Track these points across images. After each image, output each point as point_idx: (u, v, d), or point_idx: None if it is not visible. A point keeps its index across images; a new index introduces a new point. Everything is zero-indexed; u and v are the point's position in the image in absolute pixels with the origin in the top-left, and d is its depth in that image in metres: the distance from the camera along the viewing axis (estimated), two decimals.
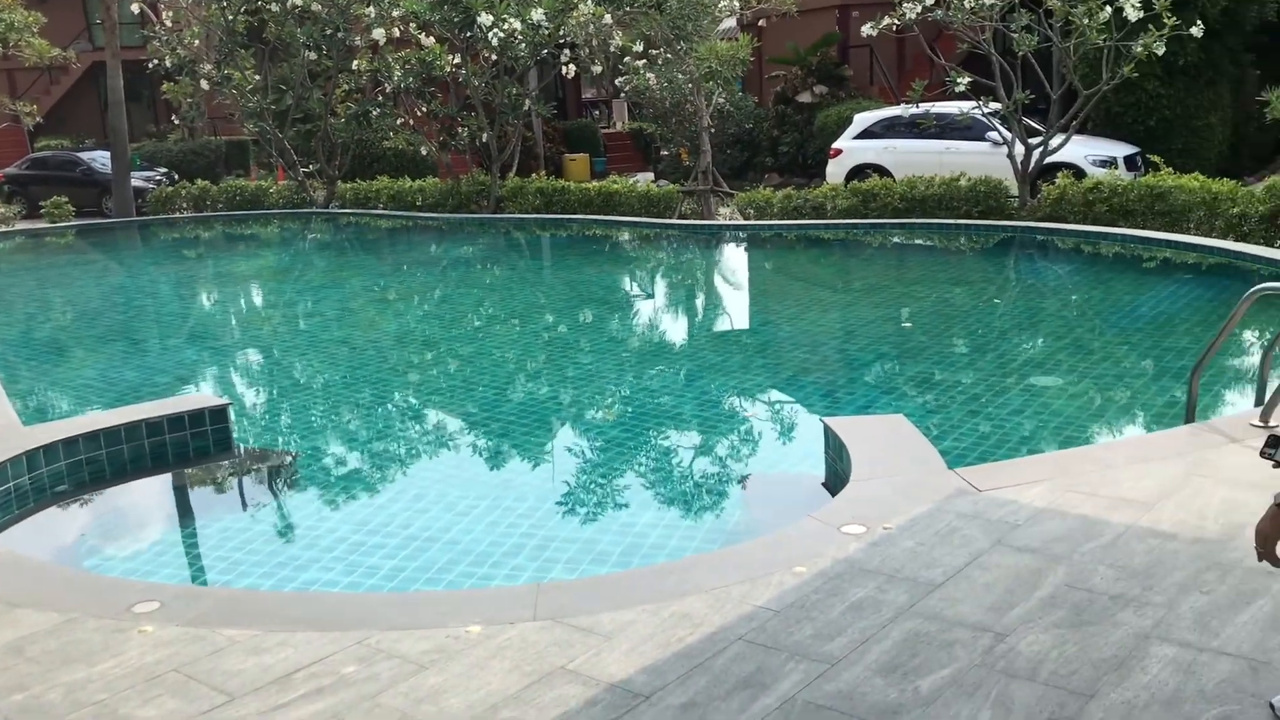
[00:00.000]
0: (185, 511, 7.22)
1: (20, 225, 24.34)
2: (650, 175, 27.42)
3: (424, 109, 23.01)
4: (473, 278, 16.54)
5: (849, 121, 21.53)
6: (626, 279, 15.90)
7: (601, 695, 3.83)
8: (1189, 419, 6.76)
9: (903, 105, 19.06)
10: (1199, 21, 15.25)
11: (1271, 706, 3.54)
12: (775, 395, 9.22)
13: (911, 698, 3.73)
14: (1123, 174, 17.01)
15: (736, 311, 13.51)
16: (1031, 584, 4.53)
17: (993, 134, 17.62)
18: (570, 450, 7.92)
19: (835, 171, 20.59)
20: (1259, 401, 6.60)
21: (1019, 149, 16.61)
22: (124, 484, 7.18)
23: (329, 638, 4.31)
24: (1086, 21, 15.18)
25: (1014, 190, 16.77)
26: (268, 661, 4.16)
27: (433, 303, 14.38)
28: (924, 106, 18.25)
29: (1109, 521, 5.09)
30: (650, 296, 14.48)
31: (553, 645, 4.20)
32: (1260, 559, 2.20)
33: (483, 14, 19.46)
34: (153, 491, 7.31)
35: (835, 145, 21.14)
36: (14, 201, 25.61)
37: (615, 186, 20.31)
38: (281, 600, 5.02)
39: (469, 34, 20.26)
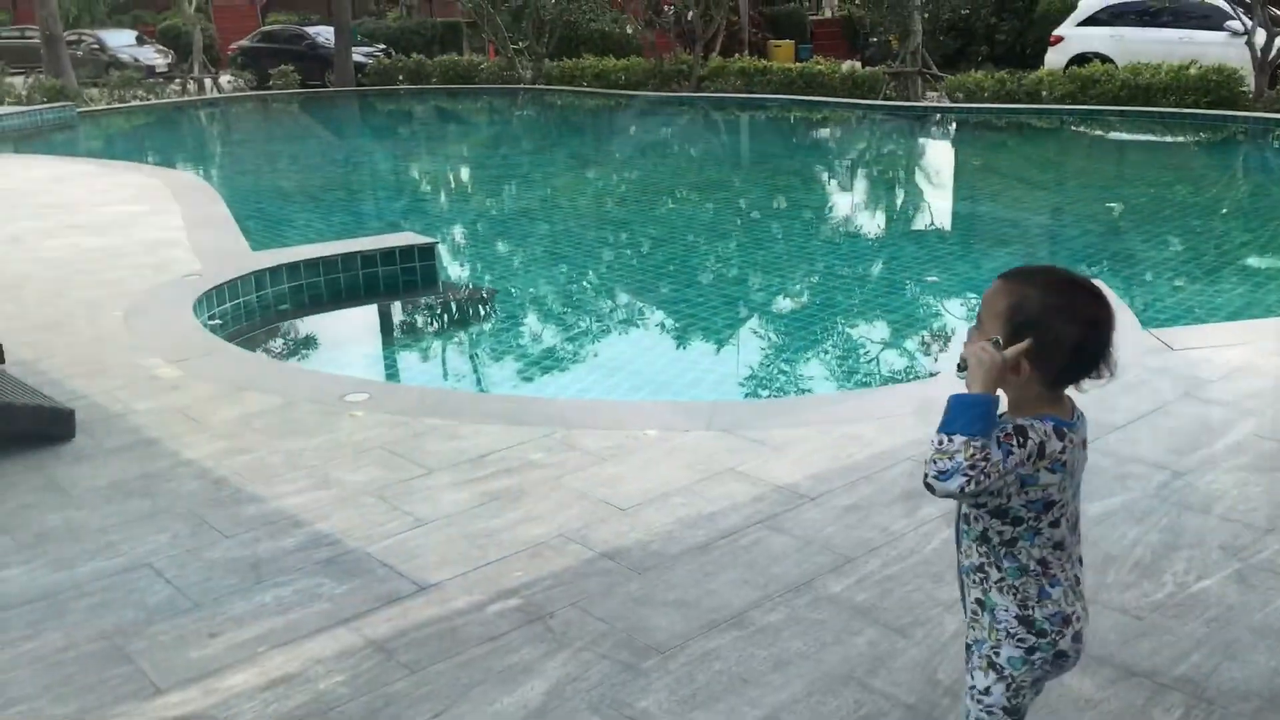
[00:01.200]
0: (392, 330, 7.80)
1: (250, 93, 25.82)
2: (857, 64, 26.66)
3: None
4: (669, 149, 16.65)
5: (1074, 8, 20.32)
6: (826, 155, 15.70)
7: (768, 493, 4.00)
8: None
9: None
10: None
11: None
12: (968, 261, 9.05)
13: None
14: None
15: (936, 188, 13.21)
16: (1218, 432, 4.42)
17: (1232, 22, 16.33)
18: (757, 297, 8.04)
19: (1055, 60, 19.53)
20: None
21: (1260, 36, 15.37)
22: (339, 307, 7.74)
23: (518, 430, 4.62)
24: None
25: (1250, 81, 15.58)
26: (463, 445, 4.51)
27: (627, 169, 14.60)
28: None
29: None
30: (850, 170, 14.28)
31: (724, 450, 4.39)
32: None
33: None
34: (364, 314, 7.90)
35: (1057, 32, 20.02)
36: (246, 71, 27.09)
37: (819, 67, 19.91)
38: (476, 398, 5.38)
39: None
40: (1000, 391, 1.96)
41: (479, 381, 6.28)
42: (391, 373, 6.69)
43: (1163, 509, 3.80)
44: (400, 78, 25.67)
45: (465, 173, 15.35)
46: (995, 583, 2.10)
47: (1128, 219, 10.23)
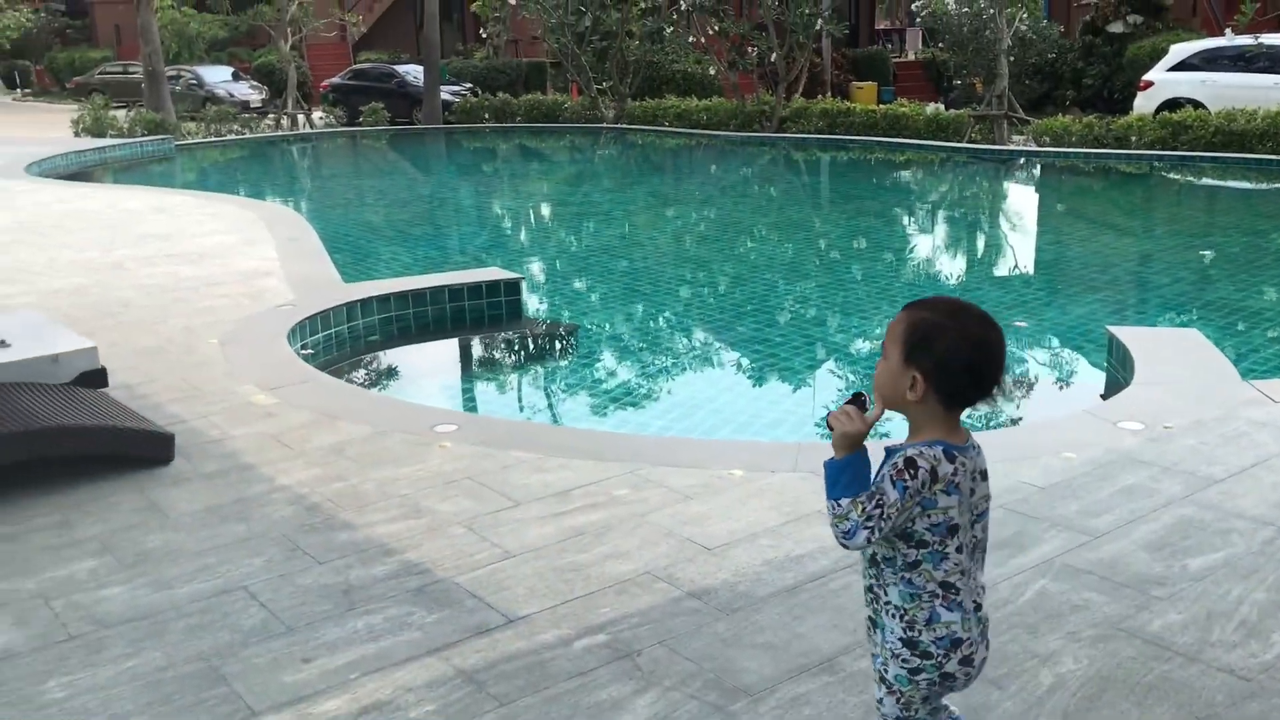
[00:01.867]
0: (478, 363, 7.90)
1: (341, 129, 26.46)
2: (940, 106, 26.52)
3: (715, 27, 23.19)
4: (750, 189, 16.69)
5: (1164, 53, 20.01)
6: (909, 196, 15.60)
7: None
8: None
9: (1228, 33, 17.54)
10: None
11: None
12: (1057, 306, 8.91)
13: (1178, 573, 3.65)
14: None
15: (1022, 231, 13.03)
16: None
17: None
18: (838, 334, 8.00)
19: (1144, 104, 19.21)
20: None
21: None
22: (426, 339, 7.87)
23: (603, 465, 4.64)
24: None
25: None
26: (549, 479, 4.54)
27: (708, 208, 14.65)
28: (1254, 37, 16.73)
29: None
30: (933, 212, 14.17)
31: (811, 493, 4.36)
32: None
33: None
34: (450, 346, 8.02)
35: (1146, 77, 19.71)
36: (337, 108, 27.76)
37: (902, 109, 19.85)
38: (563, 432, 5.42)
39: None
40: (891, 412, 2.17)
41: (561, 416, 6.32)
42: (477, 405, 6.77)
43: (1269, 566, 3.68)
44: (486, 116, 26.14)
45: (547, 209, 15.53)
46: (884, 604, 2.23)
47: (1222, 267, 10.00)
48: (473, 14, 33.06)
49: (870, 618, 2.29)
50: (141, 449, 4.69)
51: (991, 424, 6.20)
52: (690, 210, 14.70)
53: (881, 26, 36.04)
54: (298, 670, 3.18)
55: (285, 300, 7.73)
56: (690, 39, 24.66)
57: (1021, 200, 15.81)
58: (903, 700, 2.26)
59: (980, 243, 12.38)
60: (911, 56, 32.90)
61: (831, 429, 2.16)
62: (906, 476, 2.08)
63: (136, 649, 3.31)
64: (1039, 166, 17.21)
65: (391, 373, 7.41)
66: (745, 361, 7.63)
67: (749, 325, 8.59)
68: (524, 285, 8.41)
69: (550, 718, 2.92)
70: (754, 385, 7.01)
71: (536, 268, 11.17)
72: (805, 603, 3.49)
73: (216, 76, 31.44)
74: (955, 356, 2.11)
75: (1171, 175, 15.72)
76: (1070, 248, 11.42)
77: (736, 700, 2.98)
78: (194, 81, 30.52)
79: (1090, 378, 6.54)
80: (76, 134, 23.61)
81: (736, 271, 10.66)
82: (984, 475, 2.23)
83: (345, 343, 7.45)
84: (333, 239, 10.79)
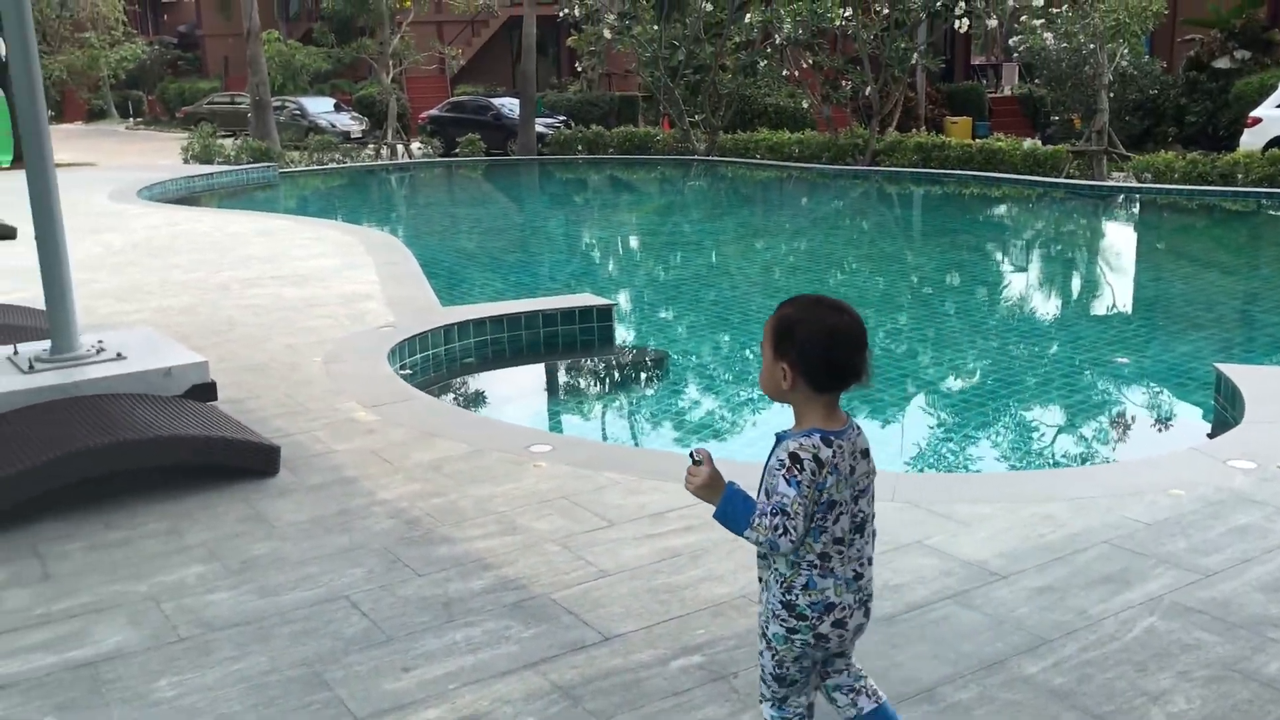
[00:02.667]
0: (571, 386, 7.98)
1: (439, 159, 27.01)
2: (1037, 142, 26.12)
3: (810, 61, 23.20)
4: (841, 221, 16.60)
5: (1273, 89, 19.49)
6: (1006, 231, 15.38)
7: (956, 569, 3.90)
8: None
9: None
10: None
11: None
12: (1160, 343, 8.69)
13: None
14: None
15: (1124, 266, 12.76)
16: None
17: None
18: (930, 368, 7.90)
19: (1250, 141, 18.70)
20: None
21: None
22: (520, 362, 7.98)
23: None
24: None
25: None
26: (643, 500, 4.56)
27: (798, 239, 14.60)
28: None
29: None
30: (1030, 247, 13.94)
31: (908, 523, 4.31)
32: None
33: None
34: (544, 369, 8.12)
35: (1254, 114, 19.20)
36: (434, 138, 28.35)
37: (999, 144, 19.61)
38: (656, 456, 5.43)
39: None
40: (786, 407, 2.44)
41: (651, 440, 6.34)
42: (570, 427, 6.83)
43: None
44: (579, 147, 26.46)
45: (638, 239, 15.64)
46: (773, 569, 2.44)
47: None
48: (568, 48, 33.56)
49: (761, 579, 2.51)
50: (249, 460, 4.82)
51: (1095, 460, 6.07)
52: (780, 242, 14.68)
53: (977, 62, 35.67)
54: (398, 679, 3.23)
55: (385, 322, 7.90)
56: (784, 73, 24.70)
57: (1122, 236, 15.48)
58: (778, 657, 2.48)
59: (1080, 278, 12.14)
60: (1007, 91, 32.50)
61: (701, 495, 2.43)
62: (796, 471, 2.30)
63: (243, 652, 3.39)
64: (1139, 203, 16.85)
65: (487, 394, 7.53)
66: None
67: None
68: (615, 312, 8.46)
69: None
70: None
71: (626, 296, 11.24)
72: (903, 632, 3.44)
73: (319, 107, 32.33)
74: (813, 344, 2.34)
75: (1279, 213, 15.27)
76: (1173, 285, 11.15)
77: None
78: (298, 112, 31.42)
79: (1197, 416, 6.37)
80: (185, 161, 24.47)
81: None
82: (865, 454, 2.43)
83: (442, 364, 7.58)
84: (430, 264, 11.00)
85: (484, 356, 7.82)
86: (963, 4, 20.79)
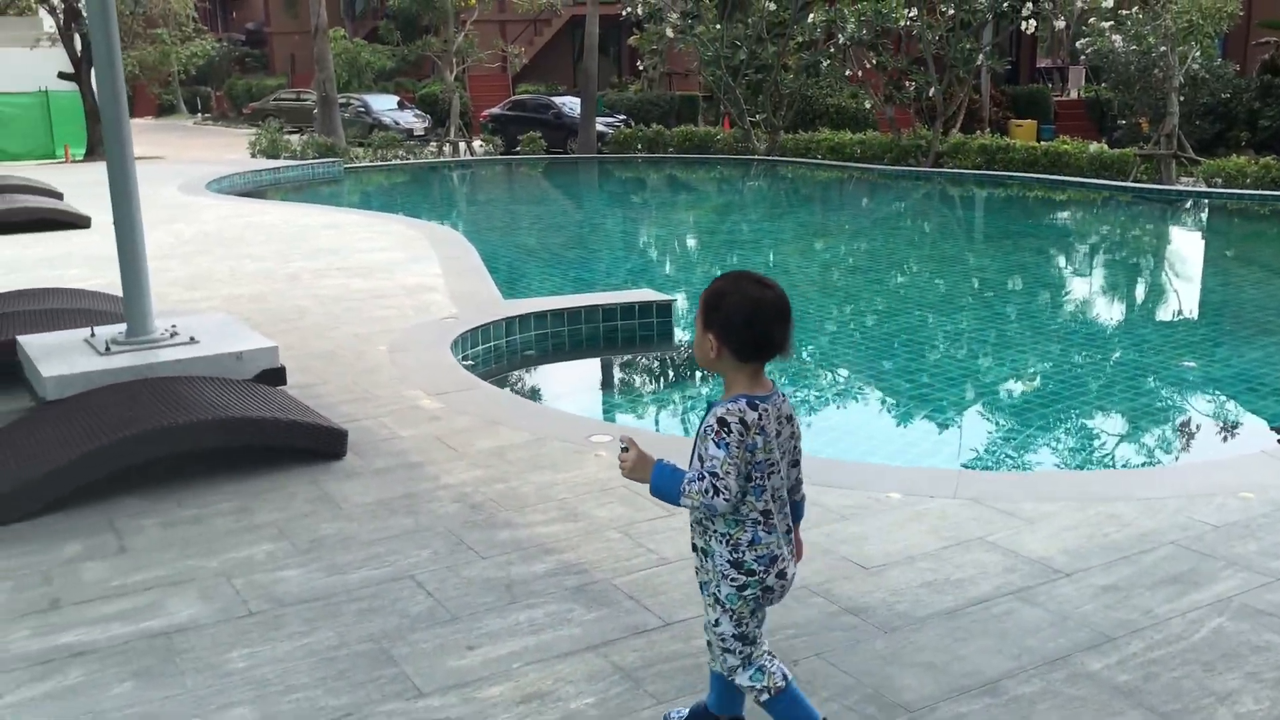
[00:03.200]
0: (630, 379, 8.02)
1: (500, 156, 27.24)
2: (1103, 145, 25.70)
3: (873, 61, 23.05)
4: (903, 222, 16.48)
5: None
6: (1073, 234, 15.17)
7: (1020, 565, 3.87)
8: None
9: None
10: None
11: None
12: (1230, 347, 8.54)
13: None
14: None
15: (1193, 270, 12.53)
16: None
17: None
18: (992, 369, 7.82)
19: None
20: None
21: None
22: (581, 355, 8.04)
23: None
24: None
25: None
26: None
27: (859, 239, 14.52)
28: None
29: None
30: (1098, 250, 13.74)
31: (972, 519, 4.28)
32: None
33: None
34: (604, 362, 8.16)
35: None
36: (496, 136, 28.58)
37: (1064, 147, 19.35)
38: None
39: None
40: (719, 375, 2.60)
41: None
42: (630, 418, 6.87)
43: None
44: (639, 146, 26.52)
45: (697, 238, 15.64)
46: (713, 533, 2.55)
47: None
48: (630, 47, 33.66)
49: (701, 548, 2.60)
50: (317, 443, 4.91)
51: (1163, 462, 5.99)
52: (840, 242, 14.61)
53: (1043, 64, 35.19)
54: (462, 656, 3.28)
55: (449, 313, 8.00)
56: (847, 73, 24.56)
57: (1190, 241, 15.21)
58: (735, 617, 2.58)
59: (1146, 282, 11.95)
60: (1074, 94, 32.02)
61: (634, 477, 2.57)
62: (724, 434, 2.43)
63: (311, 627, 3.47)
64: (1208, 208, 16.54)
65: (548, 384, 7.60)
66: (900, 389, 7.54)
67: (900, 357, 8.49)
68: (675, 307, 8.49)
69: None
70: (908, 413, 6.92)
71: (684, 291, 11.25)
72: (966, 626, 3.43)
73: (383, 105, 32.71)
74: (737, 315, 2.49)
75: None
76: (1244, 290, 10.94)
77: (896, 716, 2.95)
78: (362, 109, 31.82)
79: (1267, 421, 6.25)
80: (253, 155, 24.91)
81: (887, 304, 10.54)
82: (789, 419, 2.59)
83: (504, 355, 7.66)
84: (491, 258, 11.11)
85: (544, 349, 7.89)
86: (1030, 5, 20.53)
